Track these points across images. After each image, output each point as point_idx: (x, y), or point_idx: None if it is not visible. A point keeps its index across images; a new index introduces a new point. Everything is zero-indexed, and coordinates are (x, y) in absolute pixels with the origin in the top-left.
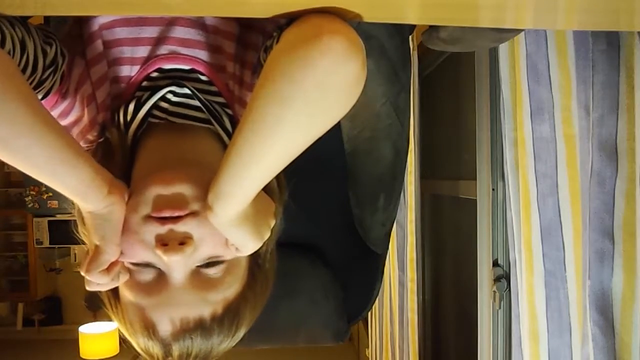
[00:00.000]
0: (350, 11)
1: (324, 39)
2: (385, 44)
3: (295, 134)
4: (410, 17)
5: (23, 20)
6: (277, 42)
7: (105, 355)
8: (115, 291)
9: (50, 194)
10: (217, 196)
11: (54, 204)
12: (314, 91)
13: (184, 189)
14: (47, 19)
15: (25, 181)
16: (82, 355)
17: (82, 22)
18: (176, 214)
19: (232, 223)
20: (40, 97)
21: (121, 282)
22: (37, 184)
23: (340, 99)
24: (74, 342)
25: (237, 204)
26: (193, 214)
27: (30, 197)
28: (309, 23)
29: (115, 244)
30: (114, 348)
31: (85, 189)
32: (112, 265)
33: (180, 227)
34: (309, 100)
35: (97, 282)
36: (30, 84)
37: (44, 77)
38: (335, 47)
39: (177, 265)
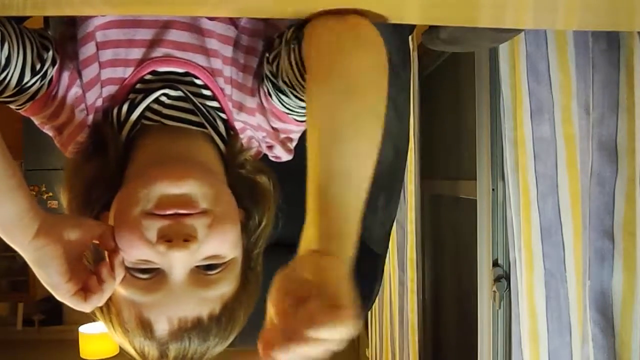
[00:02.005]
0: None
1: (358, 28)
2: (385, 45)
3: (372, 122)
4: (410, 17)
5: (19, 30)
6: (288, 55)
7: (105, 355)
8: None
9: (51, 194)
10: (335, 238)
11: (54, 204)
12: (370, 72)
13: (192, 187)
14: (46, 19)
15: (26, 181)
16: (82, 355)
17: (77, 23)
18: (182, 211)
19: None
20: (24, 100)
21: (118, 280)
22: (37, 183)
23: (385, 81)
24: (74, 342)
25: (354, 235)
26: (200, 213)
27: None
28: (329, 22)
29: (65, 281)
30: (114, 348)
31: (10, 225)
32: (98, 283)
33: (187, 222)
34: (369, 82)
35: (96, 302)
36: (14, 89)
37: (28, 85)
38: (368, 31)
39: (179, 263)
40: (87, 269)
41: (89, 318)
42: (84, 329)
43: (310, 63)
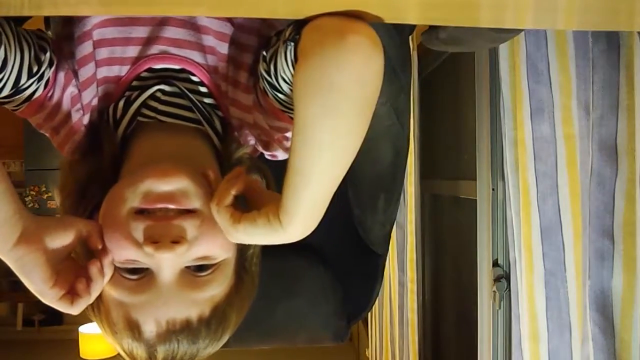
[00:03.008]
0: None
1: (349, 39)
2: (385, 45)
3: (349, 138)
4: (410, 17)
5: (17, 32)
6: (285, 54)
7: (105, 355)
8: None
9: (50, 194)
10: (283, 212)
11: (54, 204)
12: (355, 91)
13: (182, 184)
14: (47, 19)
15: (26, 181)
16: (82, 355)
17: (74, 22)
18: (171, 206)
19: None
20: (20, 101)
21: (106, 279)
22: (37, 183)
23: (375, 93)
24: (74, 342)
25: (303, 219)
26: (190, 212)
27: (30, 197)
28: (327, 27)
29: (50, 287)
30: (114, 348)
31: None
32: (87, 283)
33: (175, 223)
34: (353, 100)
35: (84, 305)
36: (10, 90)
37: (24, 87)
38: (363, 43)
39: (167, 264)
40: (75, 269)
41: (89, 318)
42: (84, 329)
43: (298, 70)
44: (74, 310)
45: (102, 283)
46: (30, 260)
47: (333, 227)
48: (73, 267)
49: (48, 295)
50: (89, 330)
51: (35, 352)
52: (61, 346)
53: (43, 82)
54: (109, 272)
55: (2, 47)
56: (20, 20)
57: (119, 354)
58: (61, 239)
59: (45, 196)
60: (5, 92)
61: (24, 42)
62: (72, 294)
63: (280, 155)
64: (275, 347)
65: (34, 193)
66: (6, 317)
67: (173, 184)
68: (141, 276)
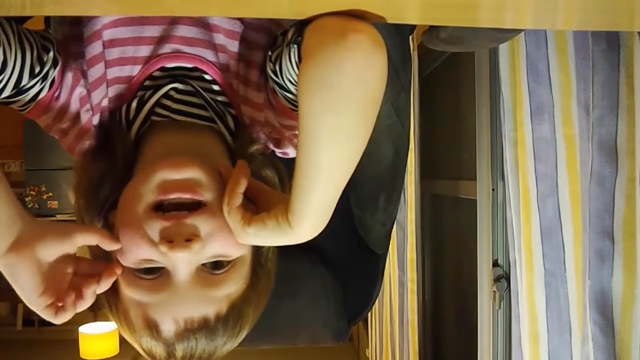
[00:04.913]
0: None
1: (349, 37)
2: (385, 44)
3: (352, 138)
4: (410, 17)
5: (18, 31)
6: (289, 56)
7: (105, 355)
8: (114, 290)
9: (51, 194)
10: (292, 214)
11: (54, 204)
12: (356, 89)
13: (195, 174)
14: (47, 19)
15: (26, 181)
16: (82, 355)
17: (83, 22)
18: (185, 195)
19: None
20: (25, 101)
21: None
22: (37, 184)
23: (378, 92)
24: (74, 342)
25: (312, 220)
26: (202, 207)
27: (30, 197)
28: (329, 26)
29: (38, 295)
30: (114, 348)
31: None
32: (75, 299)
33: (188, 222)
34: (354, 99)
35: (65, 319)
36: (12, 91)
37: (27, 87)
38: (364, 42)
39: (182, 263)
40: (67, 278)
41: (89, 318)
42: (84, 329)
43: (302, 70)
44: (57, 320)
45: (90, 302)
46: (21, 268)
47: (333, 227)
48: (66, 276)
49: (34, 303)
50: (89, 330)
51: (35, 352)
52: (61, 346)
53: (48, 82)
54: (104, 287)
55: (1, 47)
56: (20, 20)
57: (119, 354)
58: (56, 248)
59: (45, 196)
60: (7, 92)
61: (26, 42)
62: (57, 305)
63: (291, 152)
64: (275, 347)
65: (34, 193)
66: (6, 317)
67: (186, 173)
68: (157, 275)
